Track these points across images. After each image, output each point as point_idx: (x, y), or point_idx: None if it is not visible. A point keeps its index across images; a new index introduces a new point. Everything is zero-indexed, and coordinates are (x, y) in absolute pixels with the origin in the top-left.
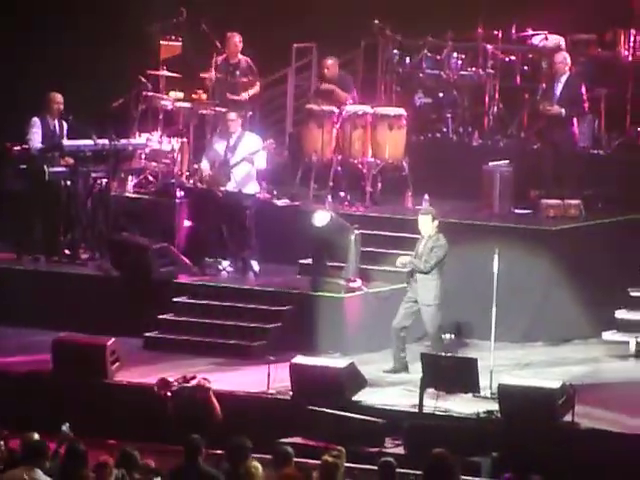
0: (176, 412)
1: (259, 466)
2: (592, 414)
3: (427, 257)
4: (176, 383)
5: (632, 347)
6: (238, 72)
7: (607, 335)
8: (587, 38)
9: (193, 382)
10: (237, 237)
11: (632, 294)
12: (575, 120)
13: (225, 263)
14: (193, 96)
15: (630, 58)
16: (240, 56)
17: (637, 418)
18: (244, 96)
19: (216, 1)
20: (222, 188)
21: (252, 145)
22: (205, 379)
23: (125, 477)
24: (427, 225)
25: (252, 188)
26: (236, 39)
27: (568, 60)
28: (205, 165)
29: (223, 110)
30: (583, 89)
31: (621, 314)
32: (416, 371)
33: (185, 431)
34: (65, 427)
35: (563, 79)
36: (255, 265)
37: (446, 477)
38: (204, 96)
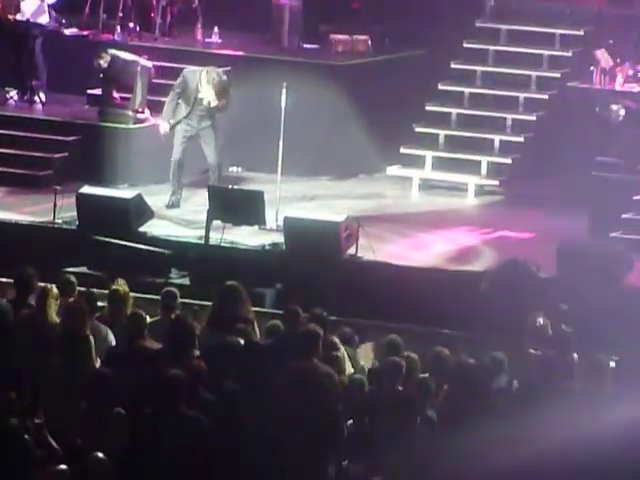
0: None
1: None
2: (375, 247)
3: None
4: None
5: (415, 182)
6: None
7: (391, 170)
8: None
9: None
10: (25, 66)
11: (417, 130)
12: None
13: (12, 92)
14: None
15: None
16: None
17: (418, 250)
18: None
19: None
20: (10, 17)
21: None
22: None
23: None
24: None
25: (43, 20)
26: None
27: None
28: None
29: None
30: None
31: (405, 150)
32: (204, 204)
33: None
34: None
35: None
36: (42, 95)
37: (236, 304)
38: None
